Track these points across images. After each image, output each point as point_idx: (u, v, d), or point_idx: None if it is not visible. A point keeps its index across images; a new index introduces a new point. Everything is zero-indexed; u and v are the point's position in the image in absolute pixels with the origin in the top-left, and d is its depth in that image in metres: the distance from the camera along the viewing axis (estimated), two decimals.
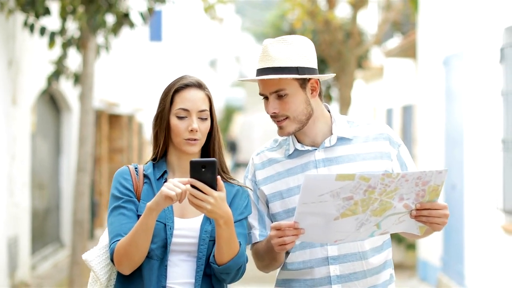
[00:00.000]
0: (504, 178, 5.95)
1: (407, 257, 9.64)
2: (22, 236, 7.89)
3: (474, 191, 6.69)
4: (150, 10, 7.25)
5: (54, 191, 10.01)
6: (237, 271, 2.23)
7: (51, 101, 9.70)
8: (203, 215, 2.27)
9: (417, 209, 2.15)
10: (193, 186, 2.07)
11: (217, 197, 2.08)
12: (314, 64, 2.35)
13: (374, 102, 15.23)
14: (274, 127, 2.40)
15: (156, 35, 17.73)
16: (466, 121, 6.90)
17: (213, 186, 2.08)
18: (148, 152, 17.09)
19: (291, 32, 12.62)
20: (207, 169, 2.07)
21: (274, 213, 2.40)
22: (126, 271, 2.22)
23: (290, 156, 2.41)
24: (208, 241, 2.25)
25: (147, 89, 16.82)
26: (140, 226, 2.15)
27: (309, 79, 2.35)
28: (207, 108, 2.32)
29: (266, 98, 2.36)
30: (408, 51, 10.42)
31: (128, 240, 2.17)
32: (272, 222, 2.42)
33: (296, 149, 2.40)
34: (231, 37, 36.05)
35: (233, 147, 29.15)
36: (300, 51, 2.32)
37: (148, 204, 2.13)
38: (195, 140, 2.28)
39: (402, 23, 12.80)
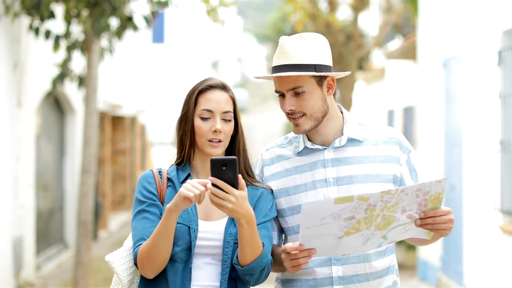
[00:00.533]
0: (502, 179, 6.01)
1: (407, 257, 9.69)
2: (26, 236, 7.96)
3: (472, 191, 6.74)
4: (154, 13, 7.30)
5: (58, 192, 10.08)
6: (261, 272, 2.19)
7: (56, 103, 9.78)
8: (227, 217, 2.23)
9: (421, 218, 2.14)
10: (214, 185, 2.03)
11: (239, 196, 2.03)
12: (330, 62, 2.34)
13: (375, 103, 15.27)
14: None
15: (158, 37, 17.83)
16: (465, 122, 6.96)
17: (234, 184, 2.03)
18: (151, 154, 17.14)
19: (292, 34, 12.68)
20: (227, 167, 2.02)
21: (279, 209, 2.39)
22: (150, 275, 2.19)
23: (299, 154, 2.40)
24: (233, 243, 2.20)
25: (149, 91, 16.87)
26: (161, 228, 2.12)
27: (326, 76, 2.33)
28: (231, 109, 2.29)
29: (282, 95, 2.34)
30: (409, 53, 10.47)
31: (150, 243, 2.14)
32: (276, 217, 2.43)
33: (305, 147, 2.39)
34: (232, 38, 36.05)
35: None
36: (317, 49, 2.30)
37: (168, 206, 2.10)
38: (218, 141, 2.25)
39: (403, 26, 12.86)
